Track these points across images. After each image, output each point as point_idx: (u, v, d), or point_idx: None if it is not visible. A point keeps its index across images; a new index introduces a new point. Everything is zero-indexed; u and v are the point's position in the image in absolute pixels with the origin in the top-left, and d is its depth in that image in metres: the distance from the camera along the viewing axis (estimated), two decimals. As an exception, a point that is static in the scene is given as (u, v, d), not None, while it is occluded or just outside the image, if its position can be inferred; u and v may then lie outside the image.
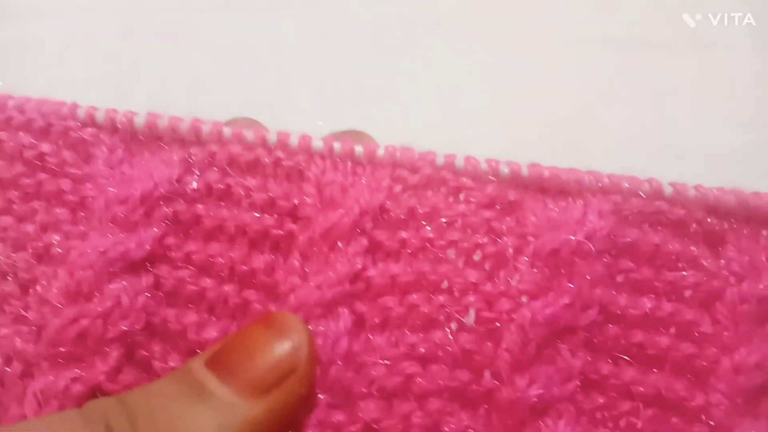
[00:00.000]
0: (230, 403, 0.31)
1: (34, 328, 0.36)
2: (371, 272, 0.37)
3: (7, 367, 0.36)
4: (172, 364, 0.36)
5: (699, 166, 0.63)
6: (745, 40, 0.72)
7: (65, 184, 0.38)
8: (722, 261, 0.38)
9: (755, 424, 0.36)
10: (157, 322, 0.36)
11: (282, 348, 0.33)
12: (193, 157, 0.38)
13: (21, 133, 0.39)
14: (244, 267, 0.37)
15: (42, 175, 0.39)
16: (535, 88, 0.70)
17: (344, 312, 0.36)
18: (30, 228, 0.38)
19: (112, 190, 0.37)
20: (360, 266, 0.36)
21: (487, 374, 0.36)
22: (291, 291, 0.36)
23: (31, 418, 0.35)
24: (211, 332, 0.36)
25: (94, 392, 0.35)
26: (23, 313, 0.36)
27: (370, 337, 0.36)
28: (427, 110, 0.69)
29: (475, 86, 0.70)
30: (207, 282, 0.37)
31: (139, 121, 0.40)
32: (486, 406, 0.36)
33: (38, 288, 0.36)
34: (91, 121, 0.40)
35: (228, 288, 0.37)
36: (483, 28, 0.74)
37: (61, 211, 0.38)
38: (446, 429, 0.35)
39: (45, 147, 0.39)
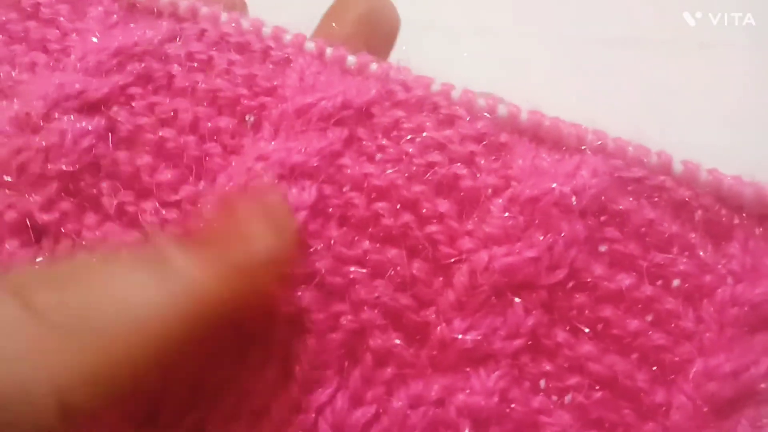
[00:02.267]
0: (183, 267, 0.27)
1: None
2: (346, 161, 0.34)
3: None
4: (124, 199, 0.34)
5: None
6: (745, 40, 0.72)
7: (52, 33, 0.38)
8: (723, 257, 0.33)
9: None
10: (107, 164, 0.35)
11: (258, 223, 0.29)
12: (183, 31, 0.37)
13: None
14: (209, 124, 0.35)
15: (31, 23, 0.38)
16: (534, 87, 0.69)
17: (311, 185, 0.33)
18: (5, 68, 0.37)
19: (94, 40, 0.36)
20: (337, 149, 0.34)
21: (427, 308, 0.33)
22: (255, 148, 0.34)
23: None
24: (167, 175, 0.34)
25: (28, 224, 0.34)
26: None
27: (328, 224, 0.33)
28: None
29: (473, 86, 0.70)
30: (167, 132, 0.35)
31: (142, -7, 0.39)
32: (418, 337, 0.33)
33: None
34: (95, -17, 0.39)
35: (189, 139, 0.35)
36: (482, 28, 0.74)
37: (39, 56, 0.37)
38: (371, 341, 0.32)
39: None
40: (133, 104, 0.36)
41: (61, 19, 0.38)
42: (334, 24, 0.41)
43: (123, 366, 0.25)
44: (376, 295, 0.32)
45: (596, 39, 0.73)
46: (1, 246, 0.34)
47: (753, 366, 0.31)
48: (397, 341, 0.32)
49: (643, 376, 0.32)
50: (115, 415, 0.31)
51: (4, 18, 0.39)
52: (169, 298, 0.26)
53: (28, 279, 0.27)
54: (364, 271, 0.33)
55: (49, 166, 0.34)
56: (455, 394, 0.31)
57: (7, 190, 0.35)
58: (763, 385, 0.31)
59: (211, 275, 0.27)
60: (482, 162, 0.34)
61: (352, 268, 0.32)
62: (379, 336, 0.32)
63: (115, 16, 0.39)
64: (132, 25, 0.38)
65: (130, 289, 0.26)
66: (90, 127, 0.35)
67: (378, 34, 0.41)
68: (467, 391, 0.31)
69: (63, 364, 0.24)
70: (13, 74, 0.37)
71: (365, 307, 0.32)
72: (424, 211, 0.33)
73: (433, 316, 0.32)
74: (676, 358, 0.32)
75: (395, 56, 0.73)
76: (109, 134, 0.35)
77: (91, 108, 0.35)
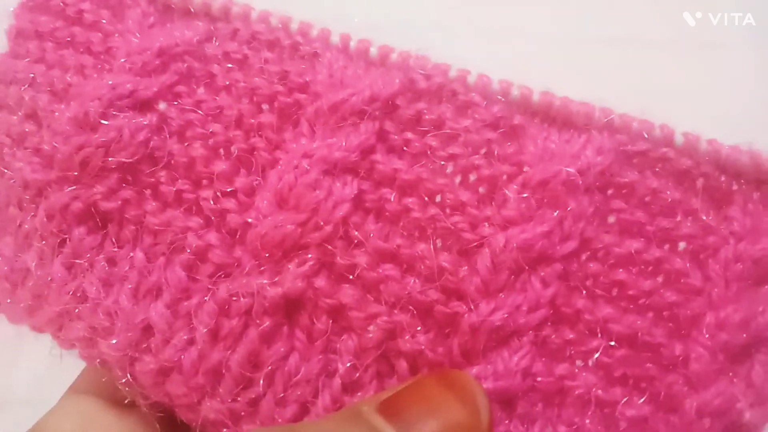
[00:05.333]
0: None
1: (46, 158, 0.39)
2: (378, 156, 0.37)
3: (25, 193, 0.40)
4: (181, 186, 0.38)
5: None
6: (745, 39, 0.72)
7: (95, 36, 0.41)
8: (724, 220, 0.36)
9: (733, 384, 0.33)
10: (162, 156, 0.38)
11: (463, 413, 0.31)
12: (218, 30, 0.40)
13: None
14: (252, 120, 0.38)
15: (76, 29, 0.41)
16: (534, 87, 0.70)
17: (352, 180, 0.36)
18: (56, 72, 0.40)
19: (135, 41, 0.39)
20: (372, 143, 0.37)
21: (455, 299, 0.35)
22: (298, 144, 0.37)
23: None
24: (220, 166, 0.38)
25: (93, 212, 0.38)
26: (37, 146, 0.39)
27: (366, 217, 0.36)
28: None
29: None
30: (215, 126, 0.38)
31: (177, -4, 0.42)
32: (449, 330, 0.35)
33: (51, 121, 0.39)
34: (133, -10, 0.42)
35: (236, 133, 0.38)
36: (481, 27, 0.75)
37: (86, 58, 0.40)
38: (401, 342, 0.35)
39: (85, 5, 0.42)
40: (181, 101, 0.39)
41: (104, 21, 0.41)
42: None
43: None
44: (408, 291, 0.35)
45: (596, 39, 0.73)
46: (71, 233, 0.38)
47: (760, 315, 0.34)
48: (425, 345, 0.35)
49: (661, 331, 0.35)
50: None
51: (52, 26, 0.42)
52: None
53: None
54: (397, 269, 0.36)
55: (109, 159, 0.37)
56: (483, 382, 0.34)
57: (72, 185, 0.38)
58: None
59: None
60: (497, 150, 0.37)
61: (387, 266, 0.36)
62: (410, 340, 0.35)
63: (151, 18, 0.42)
64: (168, 25, 0.41)
65: None
66: (145, 122, 0.38)
67: None
68: (492, 376, 0.34)
69: None
70: (66, 77, 0.40)
71: (397, 309, 0.35)
72: (448, 201, 0.36)
73: (462, 306, 0.35)
74: (689, 313, 0.35)
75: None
76: (163, 127, 0.38)
77: (143, 105, 0.38)
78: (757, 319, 0.34)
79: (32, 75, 0.41)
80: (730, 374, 0.34)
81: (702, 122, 0.68)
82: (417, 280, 0.36)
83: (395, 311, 0.35)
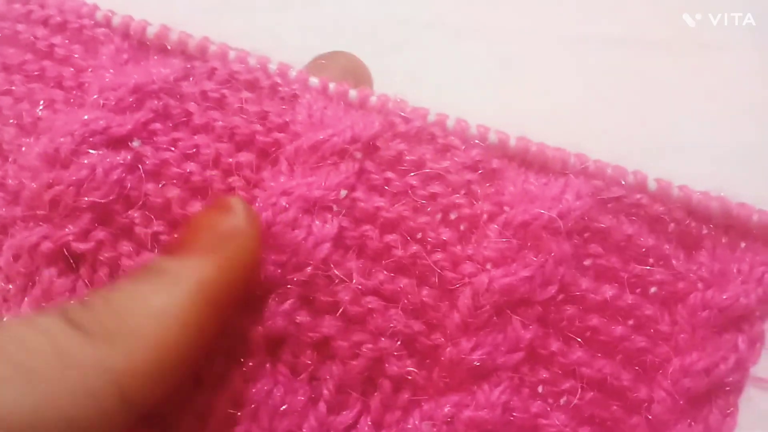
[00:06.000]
0: (179, 270, 0.32)
1: (10, 193, 0.38)
2: (359, 194, 0.37)
3: None
4: (157, 229, 0.37)
5: (698, 165, 0.63)
6: (745, 40, 0.72)
7: (67, 71, 0.40)
8: (693, 265, 0.37)
9: (691, 428, 0.35)
10: (137, 196, 0.37)
11: (224, 217, 0.34)
12: (195, 69, 0.40)
13: (37, 27, 0.41)
14: (230, 160, 0.38)
15: (46, 62, 0.40)
16: (534, 87, 0.70)
17: (332, 219, 0.36)
18: (25, 105, 0.39)
19: (108, 77, 0.39)
20: (352, 182, 0.37)
21: (437, 332, 0.36)
22: (277, 182, 0.37)
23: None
24: (196, 206, 0.37)
25: (65, 253, 0.37)
26: (1, 181, 0.38)
27: (347, 255, 0.37)
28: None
29: (473, 86, 0.71)
30: (191, 165, 0.38)
31: (151, 30, 0.41)
32: (429, 361, 0.36)
33: (18, 155, 0.38)
34: (107, 24, 0.41)
35: (213, 173, 0.38)
36: (481, 27, 0.74)
37: (56, 92, 0.40)
38: (388, 366, 0.36)
39: (56, 39, 0.41)
40: (156, 139, 0.38)
41: (76, 56, 0.40)
42: (323, 61, 0.44)
43: (166, 359, 0.30)
44: (392, 323, 0.36)
45: (596, 39, 0.73)
46: (40, 275, 0.37)
47: (722, 362, 0.36)
48: (411, 368, 0.36)
49: (628, 375, 0.36)
50: None
51: (21, 59, 0.40)
52: (180, 293, 0.31)
53: (67, 306, 0.31)
54: (381, 301, 0.36)
55: (81, 199, 0.36)
56: (463, 411, 0.35)
57: (40, 223, 0.37)
58: (730, 378, 0.36)
59: (201, 265, 0.32)
60: (478, 190, 0.38)
61: (370, 299, 0.36)
62: (395, 363, 0.36)
63: (125, 54, 0.41)
64: (143, 62, 0.41)
65: (149, 297, 0.31)
66: (119, 160, 0.37)
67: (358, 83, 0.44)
68: (473, 406, 0.35)
69: (118, 366, 0.28)
70: (36, 111, 0.39)
71: (382, 337, 0.36)
72: (429, 239, 0.37)
73: (442, 339, 0.36)
74: (656, 358, 0.36)
75: (398, 56, 0.74)
76: (139, 167, 0.37)
77: (117, 143, 0.38)
78: (719, 366, 0.36)
79: None
80: (689, 420, 0.36)
81: (702, 122, 0.69)
82: (400, 313, 0.36)
83: (381, 339, 0.36)
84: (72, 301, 0.33)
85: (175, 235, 0.36)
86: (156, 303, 0.30)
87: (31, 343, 0.27)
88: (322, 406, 0.35)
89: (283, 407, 0.35)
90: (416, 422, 0.35)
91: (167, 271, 0.32)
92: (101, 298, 0.31)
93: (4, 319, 0.37)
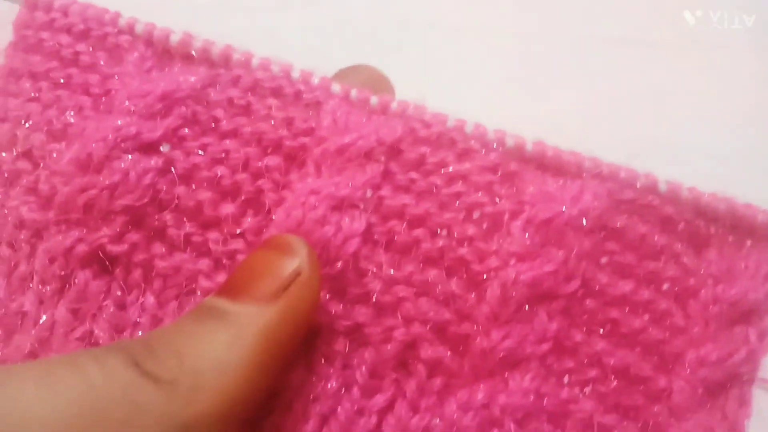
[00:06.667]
0: (242, 314, 0.32)
1: (42, 198, 0.38)
2: (385, 192, 0.39)
3: (19, 233, 0.39)
4: (189, 230, 0.38)
5: (698, 165, 0.64)
6: (745, 39, 0.73)
7: (93, 78, 0.41)
8: (703, 262, 0.39)
9: (710, 414, 0.37)
10: (169, 199, 0.38)
11: (286, 260, 0.34)
12: (220, 77, 0.40)
13: (61, 34, 0.42)
14: (259, 164, 0.39)
15: (73, 69, 0.41)
16: (534, 87, 0.71)
17: (360, 215, 0.38)
18: (53, 112, 0.40)
19: (135, 84, 0.39)
20: (378, 182, 0.38)
21: (467, 321, 0.37)
22: (305, 184, 0.38)
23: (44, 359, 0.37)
24: (229, 208, 0.38)
25: (100, 256, 0.37)
26: (33, 186, 0.39)
27: (376, 249, 0.38)
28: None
29: (474, 86, 0.71)
30: (221, 169, 0.39)
31: (175, 38, 0.42)
32: (461, 348, 0.37)
33: (49, 161, 0.39)
34: (130, 31, 0.42)
35: (243, 176, 0.39)
36: (482, 27, 0.75)
37: (84, 99, 0.40)
38: (423, 353, 0.37)
39: (80, 47, 0.42)
40: (186, 144, 0.39)
41: (101, 63, 0.41)
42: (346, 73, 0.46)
43: (230, 407, 0.30)
44: (423, 310, 0.37)
45: (596, 39, 0.73)
46: (75, 277, 0.37)
47: (735, 353, 0.38)
48: (447, 353, 0.37)
49: (648, 365, 0.38)
50: None
51: (47, 66, 0.41)
52: (244, 343, 0.31)
53: (131, 348, 0.31)
54: (411, 289, 0.37)
55: (115, 202, 0.37)
56: (497, 397, 0.36)
57: (74, 227, 0.38)
58: (743, 369, 0.38)
59: (264, 313, 0.32)
60: (500, 190, 0.39)
61: (400, 288, 0.37)
62: (429, 348, 0.37)
63: (149, 62, 0.42)
64: (167, 69, 0.42)
65: (212, 344, 0.31)
66: (151, 164, 0.38)
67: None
68: (507, 393, 0.36)
69: (185, 414, 0.29)
70: (66, 117, 0.40)
71: (415, 322, 0.37)
72: (455, 234, 0.38)
73: (473, 328, 0.37)
74: (673, 350, 0.38)
75: (398, 56, 0.74)
76: (172, 169, 0.38)
77: (148, 148, 0.38)
78: (733, 357, 0.37)
79: (27, 113, 0.41)
80: (708, 406, 0.37)
81: (702, 122, 0.69)
82: (431, 300, 0.38)
83: (413, 324, 0.37)
84: (134, 341, 0.32)
85: (229, 277, 0.35)
86: (220, 352, 0.31)
87: (101, 390, 0.28)
88: (356, 391, 0.36)
89: (315, 394, 0.36)
90: (453, 407, 0.36)
91: (228, 317, 0.32)
92: (163, 340, 0.32)
93: (77, 352, 0.36)
